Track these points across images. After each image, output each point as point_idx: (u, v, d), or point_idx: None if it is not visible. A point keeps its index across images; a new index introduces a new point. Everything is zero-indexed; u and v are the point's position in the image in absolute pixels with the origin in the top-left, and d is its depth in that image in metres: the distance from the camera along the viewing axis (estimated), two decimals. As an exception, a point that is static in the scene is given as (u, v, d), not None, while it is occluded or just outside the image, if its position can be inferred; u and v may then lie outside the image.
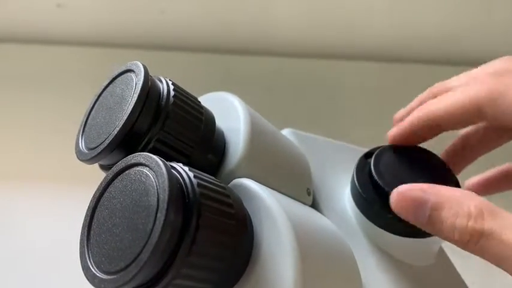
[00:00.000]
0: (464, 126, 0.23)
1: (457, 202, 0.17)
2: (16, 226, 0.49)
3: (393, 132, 0.24)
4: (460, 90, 0.22)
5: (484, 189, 0.28)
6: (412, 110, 0.25)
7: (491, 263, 0.16)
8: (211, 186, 0.16)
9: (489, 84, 0.21)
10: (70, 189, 0.51)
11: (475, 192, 0.28)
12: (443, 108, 0.22)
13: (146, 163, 0.15)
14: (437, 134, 0.24)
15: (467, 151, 0.26)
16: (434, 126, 0.23)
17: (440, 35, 0.62)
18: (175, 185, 0.14)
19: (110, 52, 0.65)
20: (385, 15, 0.60)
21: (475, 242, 0.16)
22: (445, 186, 0.18)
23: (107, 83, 0.19)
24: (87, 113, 0.19)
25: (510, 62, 0.22)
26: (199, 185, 0.15)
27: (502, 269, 0.16)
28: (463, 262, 0.26)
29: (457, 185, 0.23)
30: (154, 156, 0.15)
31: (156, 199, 0.14)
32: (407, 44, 0.64)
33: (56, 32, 0.64)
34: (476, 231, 0.16)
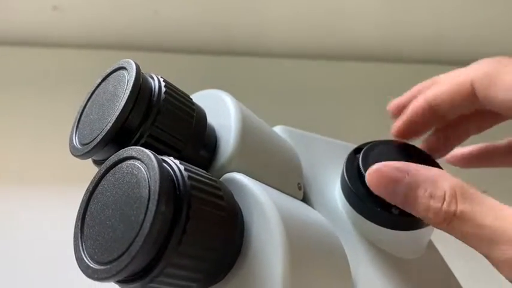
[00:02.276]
0: (460, 109, 0.23)
1: (431, 182, 0.18)
2: (15, 227, 0.49)
3: (395, 125, 0.25)
4: (456, 73, 0.23)
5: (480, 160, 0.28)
6: (408, 98, 0.26)
7: (460, 240, 0.17)
8: (201, 179, 0.16)
9: (484, 68, 0.22)
10: (68, 190, 0.51)
11: (467, 162, 0.28)
12: (440, 90, 0.23)
13: (138, 156, 0.15)
14: (437, 122, 0.24)
15: (456, 129, 0.26)
16: (433, 112, 0.24)
17: (438, 35, 0.63)
18: (166, 177, 0.15)
19: (105, 54, 0.65)
20: (381, 15, 0.61)
21: (448, 222, 0.17)
22: (419, 165, 0.19)
23: (99, 80, 0.20)
24: (81, 110, 0.20)
25: (502, 58, 0.23)
26: (190, 177, 0.15)
27: (470, 246, 0.17)
28: (453, 255, 0.27)
29: None
30: (146, 150, 0.15)
31: (147, 191, 0.14)
32: (404, 44, 0.64)
33: (51, 34, 0.64)
34: (450, 213, 0.17)
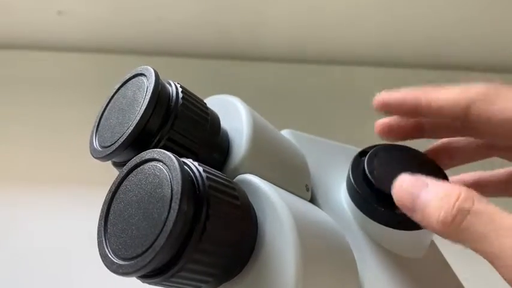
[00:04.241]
0: (450, 121, 0.24)
1: (445, 187, 0.19)
2: (19, 228, 0.50)
3: (382, 97, 0.26)
4: (458, 87, 0.24)
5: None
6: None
7: (466, 243, 0.17)
8: (219, 180, 0.17)
9: (484, 88, 0.22)
10: (70, 191, 0.52)
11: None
12: (439, 95, 0.24)
13: (160, 158, 0.16)
14: (419, 128, 0.25)
15: (447, 156, 0.27)
16: (420, 111, 0.24)
17: (436, 39, 0.64)
18: (187, 178, 0.16)
19: (109, 58, 0.66)
20: (380, 20, 0.62)
21: (460, 220, 0.17)
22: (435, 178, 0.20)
23: (118, 86, 0.21)
24: (100, 114, 0.21)
25: (498, 84, 0.24)
26: (208, 178, 0.16)
27: (479, 249, 0.17)
28: (453, 255, 0.27)
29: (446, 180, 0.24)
30: (168, 152, 0.16)
31: (170, 191, 0.15)
32: (403, 48, 0.65)
33: (56, 38, 0.65)
34: (464, 209, 0.17)
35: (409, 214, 0.20)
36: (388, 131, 0.26)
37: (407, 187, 0.20)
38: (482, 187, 0.28)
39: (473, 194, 0.18)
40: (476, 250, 0.17)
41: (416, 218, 0.19)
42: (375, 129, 0.27)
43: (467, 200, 0.17)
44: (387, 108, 0.26)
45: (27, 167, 0.55)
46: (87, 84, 0.62)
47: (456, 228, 0.17)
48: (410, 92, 0.25)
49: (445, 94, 0.24)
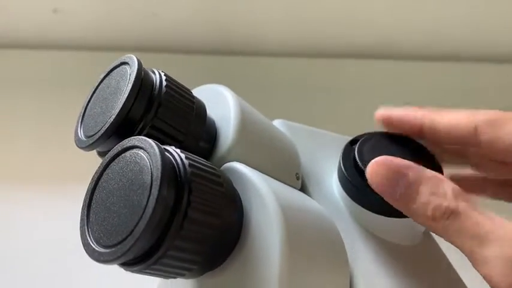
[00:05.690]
0: (454, 144, 0.24)
1: (436, 181, 0.19)
2: (16, 226, 0.50)
3: (384, 112, 0.25)
4: (464, 111, 0.23)
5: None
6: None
7: (449, 239, 0.18)
8: (202, 166, 0.17)
9: (491, 113, 0.22)
10: (68, 189, 0.52)
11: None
12: (444, 118, 0.23)
13: (141, 145, 0.16)
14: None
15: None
16: (422, 134, 0.24)
17: (436, 32, 0.63)
18: (168, 164, 0.15)
19: (105, 55, 0.66)
20: (379, 13, 0.62)
21: (445, 219, 0.18)
22: (426, 168, 0.19)
23: (103, 76, 0.20)
24: (85, 105, 0.20)
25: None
26: (190, 165, 0.16)
27: (457, 244, 0.17)
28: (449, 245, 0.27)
29: (441, 173, 0.24)
30: (148, 139, 0.16)
31: (150, 177, 0.15)
32: (401, 41, 0.65)
33: (52, 37, 0.65)
34: (449, 210, 0.18)
35: (389, 201, 0.20)
36: (386, 124, 0.25)
37: (386, 172, 0.19)
38: (481, 187, 0.28)
39: (458, 192, 0.18)
40: (457, 247, 0.17)
41: (398, 206, 0.20)
42: (376, 117, 0.26)
43: (453, 200, 0.18)
44: (389, 123, 0.25)
45: (24, 164, 0.55)
46: (83, 82, 0.61)
47: (439, 225, 0.18)
48: (411, 111, 0.24)
49: (451, 116, 0.23)
